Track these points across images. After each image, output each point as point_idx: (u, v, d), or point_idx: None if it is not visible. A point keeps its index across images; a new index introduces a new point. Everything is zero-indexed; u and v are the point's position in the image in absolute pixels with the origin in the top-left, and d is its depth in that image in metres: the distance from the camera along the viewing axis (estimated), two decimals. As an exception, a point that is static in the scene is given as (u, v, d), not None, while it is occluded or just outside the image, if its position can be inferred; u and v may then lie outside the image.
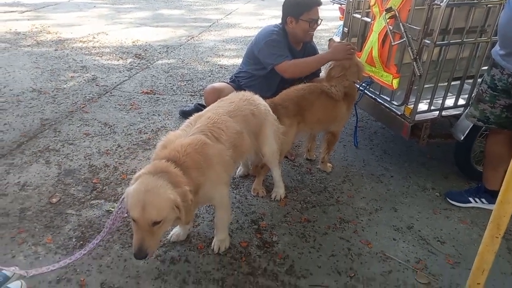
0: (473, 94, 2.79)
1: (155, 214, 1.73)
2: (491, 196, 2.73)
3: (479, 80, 2.66)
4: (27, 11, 7.87)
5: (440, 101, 2.91)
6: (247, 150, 2.37)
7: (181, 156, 1.91)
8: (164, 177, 1.79)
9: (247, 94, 2.52)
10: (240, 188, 2.94)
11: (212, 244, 2.35)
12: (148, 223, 1.73)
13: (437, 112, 2.92)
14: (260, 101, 2.54)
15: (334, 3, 4.61)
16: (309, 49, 3.35)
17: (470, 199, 2.82)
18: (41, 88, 4.36)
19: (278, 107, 2.71)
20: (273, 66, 3.06)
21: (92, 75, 4.82)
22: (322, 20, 3.14)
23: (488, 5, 2.98)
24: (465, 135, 2.79)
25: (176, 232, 2.39)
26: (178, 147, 1.95)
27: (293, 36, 3.16)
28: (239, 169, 3.05)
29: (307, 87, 2.86)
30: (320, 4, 3.07)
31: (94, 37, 6.38)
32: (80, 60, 5.30)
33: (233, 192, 2.88)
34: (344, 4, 3.82)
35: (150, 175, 1.81)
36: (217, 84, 3.37)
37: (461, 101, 2.97)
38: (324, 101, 2.84)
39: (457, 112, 2.96)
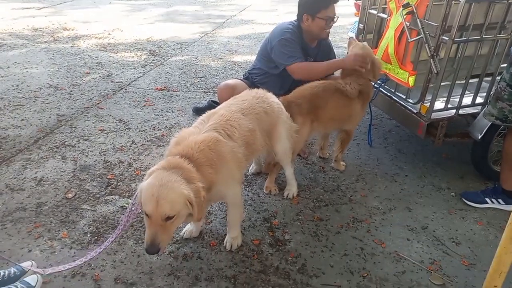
0: (491, 92, 2.72)
1: (169, 209, 1.74)
2: (508, 197, 2.68)
3: (498, 78, 2.60)
4: (44, 7, 7.99)
5: (457, 99, 2.85)
6: (259, 148, 2.37)
7: (195, 152, 1.92)
8: (178, 173, 1.81)
9: (260, 92, 2.51)
10: (253, 185, 2.94)
11: (225, 241, 2.36)
12: (161, 218, 1.74)
13: (454, 110, 2.87)
14: (273, 99, 2.53)
15: (349, -1, 4.55)
16: (324, 47, 3.32)
17: (487, 199, 2.77)
18: (57, 84, 4.43)
19: (292, 105, 2.69)
20: (284, 66, 3.06)
21: (107, 72, 4.88)
22: (338, 17, 3.10)
23: (509, 1, 2.91)
24: (482, 134, 2.74)
25: (189, 228, 2.41)
26: (191, 144, 1.96)
27: (309, 33, 3.14)
28: (251, 166, 3.05)
29: (321, 84, 2.83)
30: (337, 1, 3.04)
31: (109, 34, 6.44)
32: (96, 57, 5.37)
33: (246, 190, 2.88)
34: (359, 0, 3.77)
35: (164, 171, 1.82)
36: (230, 81, 3.37)
37: (479, 100, 2.91)
38: (338, 99, 2.81)
39: (475, 111, 2.91)
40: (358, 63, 2.87)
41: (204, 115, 2.25)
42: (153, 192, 1.73)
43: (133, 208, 2.03)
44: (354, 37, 3.22)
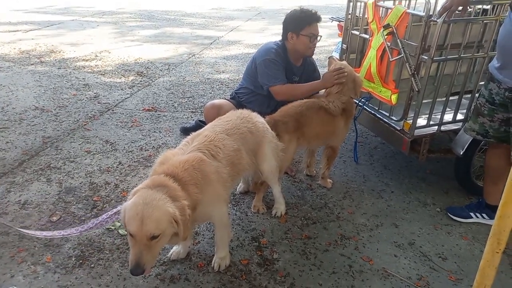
0: (471, 108, 2.80)
1: (154, 227, 1.71)
2: (492, 211, 2.70)
3: (477, 95, 2.67)
4: (31, 30, 8.00)
5: (439, 116, 2.92)
6: (246, 167, 2.38)
7: (179, 171, 1.93)
8: (163, 191, 1.80)
9: (244, 112, 2.54)
10: (241, 204, 2.94)
11: (213, 262, 2.34)
12: (147, 237, 1.71)
13: (436, 127, 2.93)
14: (258, 118, 2.56)
15: (333, 20, 4.67)
16: (308, 65, 3.38)
17: (471, 214, 2.81)
18: (43, 106, 4.41)
19: (278, 123, 2.73)
20: (267, 87, 3.11)
21: (94, 93, 4.87)
22: (321, 36, 3.18)
23: (485, 21, 3.03)
24: (464, 150, 2.80)
25: (176, 250, 2.38)
26: (176, 163, 1.97)
27: (294, 52, 3.20)
28: (239, 185, 3.05)
29: (305, 103, 2.88)
30: (319, 20, 3.12)
31: (97, 56, 6.47)
32: (83, 78, 5.37)
33: (233, 209, 2.87)
34: (342, 21, 3.87)
35: (148, 189, 1.81)
36: (216, 101, 3.40)
37: (460, 116, 2.98)
38: (322, 117, 2.86)
39: (456, 127, 2.98)
40: (335, 78, 2.94)
41: (188, 136, 2.26)
42: (138, 211, 1.72)
43: (103, 222, 2.04)
44: (334, 56, 3.28)
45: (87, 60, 6.20)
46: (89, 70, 5.73)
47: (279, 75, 3.10)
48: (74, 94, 4.80)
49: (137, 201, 1.75)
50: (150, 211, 1.71)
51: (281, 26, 3.22)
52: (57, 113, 4.28)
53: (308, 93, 3.11)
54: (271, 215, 2.82)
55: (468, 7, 3.07)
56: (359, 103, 3.22)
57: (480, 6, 3.61)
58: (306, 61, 3.37)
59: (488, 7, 3.48)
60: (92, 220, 2.10)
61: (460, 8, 2.53)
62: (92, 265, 2.30)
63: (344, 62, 3.10)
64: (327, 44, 7.13)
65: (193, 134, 2.26)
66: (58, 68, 5.73)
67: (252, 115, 2.54)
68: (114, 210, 2.10)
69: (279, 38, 3.30)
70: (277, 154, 2.59)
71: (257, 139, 2.45)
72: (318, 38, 3.16)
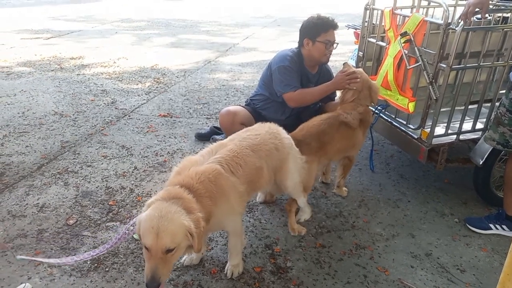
0: (491, 117, 2.74)
1: (169, 241, 1.70)
2: (513, 223, 2.65)
3: (497, 104, 2.62)
4: (52, 37, 8.20)
5: (458, 125, 2.87)
6: (262, 185, 2.36)
7: (195, 183, 1.92)
8: (178, 203, 1.79)
9: (272, 127, 2.48)
10: (254, 212, 2.93)
11: (226, 268, 2.33)
12: (162, 251, 1.70)
13: (455, 136, 2.88)
14: (285, 134, 2.52)
15: (349, 27, 4.66)
16: (324, 73, 3.38)
17: (491, 225, 2.74)
18: (62, 112, 4.50)
19: (301, 144, 2.65)
20: (280, 93, 3.11)
21: (112, 99, 4.95)
22: (338, 44, 3.17)
23: (505, 29, 2.98)
24: (484, 160, 2.74)
25: (189, 256, 2.38)
26: (192, 174, 1.96)
27: (309, 58, 3.20)
28: (258, 195, 3.01)
29: (325, 120, 2.80)
30: (336, 27, 3.11)
31: (114, 62, 6.58)
32: (101, 84, 5.47)
33: (247, 216, 2.86)
34: (359, 29, 3.86)
35: (163, 201, 1.80)
36: (231, 107, 3.41)
37: (479, 125, 2.93)
38: (343, 132, 2.80)
39: (475, 136, 2.92)
40: (346, 81, 2.93)
41: (214, 144, 2.25)
42: (153, 225, 1.70)
43: (126, 232, 2.02)
44: (349, 62, 3.25)
45: (105, 67, 6.32)
46: (107, 76, 5.83)
47: (293, 82, 3.09)
48: (92, 100, 4.89)
49: (152, 214, 1.74)
50: (166, 225, 1.70)
51: (297, 34, 3.22)
52: (76, 118, 4.36)
53: (320, 96, 3.10)
54: (284, 223, 2.80)
55: (488, 15, 3.03)
56: (376, 111, 3.19)
57: (500, 14, 3.56)
58: (322, 68, 3.36)
59: (509, 15, 3.42)
60: (113, 240, 2.09)
61: (479, 10, 2.48)
62: (107, 269, 2.32)
63: (360, 69, 3.08)
64: (343, 51, 7.09)
65: (219, 143, 2.25)
66: (77, 74, 5.85)
67: (279, 131, 2.49)
68: (131, 222, 2.09)
69: (295, 45, 3.30)
70: (301, 169, 2.56)
71: (281, 156, 2.42)
72: (335, 45, 3.15)
